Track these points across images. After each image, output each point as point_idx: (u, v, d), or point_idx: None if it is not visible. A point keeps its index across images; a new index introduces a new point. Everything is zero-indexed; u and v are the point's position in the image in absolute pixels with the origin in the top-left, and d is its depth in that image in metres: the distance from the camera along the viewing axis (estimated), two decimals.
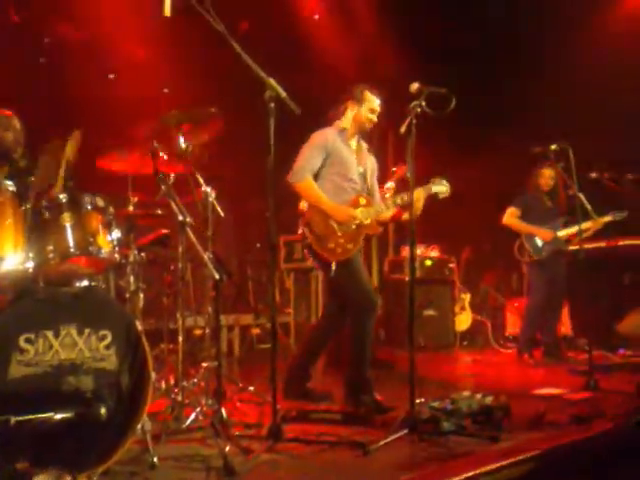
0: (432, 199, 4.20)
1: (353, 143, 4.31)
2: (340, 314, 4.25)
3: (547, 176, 6.12)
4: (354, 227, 4.10)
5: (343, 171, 4.19)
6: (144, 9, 6.30)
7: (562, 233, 6.05)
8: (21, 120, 3.89)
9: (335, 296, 4.32)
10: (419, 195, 4.07)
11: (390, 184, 4.56)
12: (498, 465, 2.88)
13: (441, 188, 4.21)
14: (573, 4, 6.80)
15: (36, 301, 2.74)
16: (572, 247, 6.01)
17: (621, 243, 6.43)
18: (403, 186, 4.38)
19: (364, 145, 4.39)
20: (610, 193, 5.73)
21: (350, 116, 4.27)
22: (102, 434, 2.70)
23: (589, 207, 5.36)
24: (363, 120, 4.25)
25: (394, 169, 4.71)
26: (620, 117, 6.81)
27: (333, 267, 4.05)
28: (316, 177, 4.18)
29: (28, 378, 2.60)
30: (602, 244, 6.27)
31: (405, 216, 4.17)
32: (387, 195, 4.44)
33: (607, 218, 5.86)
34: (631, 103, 6.71)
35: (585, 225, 5.54)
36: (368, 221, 4.14)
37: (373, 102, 4.25)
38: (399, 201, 4.15)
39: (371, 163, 4.39)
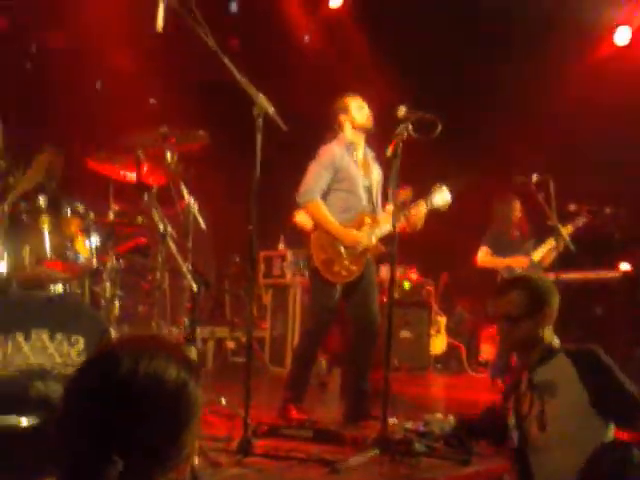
0: (433, 213, 4.18)
1: (359, 154, 4.28)
2: (367, 324, 4.15)
3: (517, 208, 6.24)
4: (360, 250, 4.10)
5: (350, 187, 4.18)
6: (132, 19, 6.32)
7: (537, 256, 6.09)
8: (4, 124, 3.80)
9: (352, 313, 4.23)
10: (422, 209, 4.10)
11: (389, 208, 4.46)
12: None
13: (440, 201, 4.17)
14: (561, 34, 6.88)
15: (8, 303, 2.70)
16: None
17: (593, 275, 6.55)
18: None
19: (370, 154, 4.36)
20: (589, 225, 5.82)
21: (348, 127, 4.25)
22: None
23: (567, 238, 5.36)
24: (361, 122, 4.23)
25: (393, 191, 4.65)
26: (600, 151, 6.90)
27: (338, 290, 4.06)
28: (324, 192, 4.16)
29: None
30: (576, 275, 6.36)
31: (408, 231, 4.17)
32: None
33: (570, 227, 5.80)
34: (615, 139, 6.79)
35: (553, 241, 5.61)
36: (374, 242, 4.14)
37: (356, 100, 4.26)
38: (402, 219, 4.09)
39: (377, 174, 4.35)
